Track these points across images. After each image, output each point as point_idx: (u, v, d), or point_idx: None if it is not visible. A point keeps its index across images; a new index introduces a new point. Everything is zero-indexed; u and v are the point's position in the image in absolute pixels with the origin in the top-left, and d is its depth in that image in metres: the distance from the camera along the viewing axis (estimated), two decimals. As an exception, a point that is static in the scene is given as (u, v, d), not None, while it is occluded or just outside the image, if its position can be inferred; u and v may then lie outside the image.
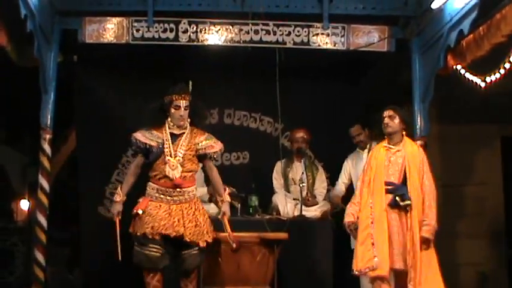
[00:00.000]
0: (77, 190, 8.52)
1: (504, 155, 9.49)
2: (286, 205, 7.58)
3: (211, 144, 6.16)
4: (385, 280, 5.64)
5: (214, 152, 6.19)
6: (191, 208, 5.99)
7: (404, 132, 5.94)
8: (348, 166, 7.81)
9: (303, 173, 7.72)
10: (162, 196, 5.97)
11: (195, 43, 7.53)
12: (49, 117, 7.22)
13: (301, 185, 7.55)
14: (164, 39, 7.48)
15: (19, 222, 10.99)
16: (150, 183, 6.06)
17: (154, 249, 5.88)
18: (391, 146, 5.89)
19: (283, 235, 6.72)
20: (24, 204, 11.42)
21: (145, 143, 6.01)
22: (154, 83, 8.10)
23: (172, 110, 6.02)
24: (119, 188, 6.08)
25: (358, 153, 7.74)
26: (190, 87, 6.19)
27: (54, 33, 7.35)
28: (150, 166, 6.08)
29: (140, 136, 6.06)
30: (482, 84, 6.88)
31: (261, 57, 7.75)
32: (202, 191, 7.61)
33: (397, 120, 5.90)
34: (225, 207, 6.18)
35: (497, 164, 9.48)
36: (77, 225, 8.72)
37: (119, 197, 6.01)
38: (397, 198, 5.66)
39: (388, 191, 5.74)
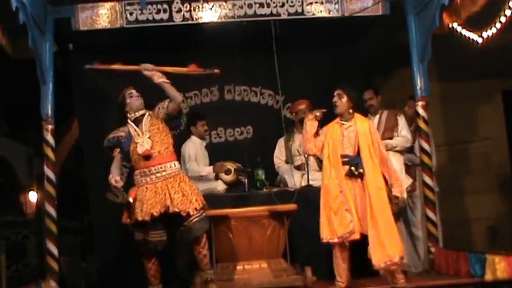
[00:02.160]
0: (84, 178, 8.53)
1: (506, 108, 9.49)
2: (292, 176, 7.61)
3: (162, 103, 6.41)
4: (345, 249, 6.22)
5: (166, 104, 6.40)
6: (176, 181, 6.18)
7: (351, 110, 6.37)
8: None
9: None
10: (147, 178, 6.20)
11: (189, 22, 7.49)
12: (49, 107, 7.21)
13: (306, 155, 7.56)
14: (158, 20, 7.45)
15: (29, 214, 11.04)
16: (134, 173, 6.33)
17: (154, 234, 6.16)
18: (343, 122, 6.36)
19: (292, 206, 6.74)
20: (33, 196, 11.46)
21: (114, 137, 6.40)
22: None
23: (128, 100, 6.45)
24: (110, 177, 6.19)
25: (369, 118, 7.74)
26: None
27: (47, 23, 7.30)
28: (128, 158, 6.38)
29: (109, 135, 6.45)
30: (479, 40, 6.88)
31: (257, 31, 7.73)
32: (208, 169, 7.65)
33: (344, 99, 6.35)
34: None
35: (499, 118, 9.50)
36: (87, 213, 8.76)
37: (118, 182, 6.18)
38: (352, 168, 6.17)
39: (344, 163, 6.23)
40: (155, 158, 6.21)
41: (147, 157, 6.17)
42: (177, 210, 6.02)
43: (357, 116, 6.41)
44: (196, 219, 6.09)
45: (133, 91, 6.46)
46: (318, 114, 6.51)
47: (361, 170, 6.16)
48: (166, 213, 6.03)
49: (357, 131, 6.27)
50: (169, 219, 6.13)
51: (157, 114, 6.39)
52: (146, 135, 6.24)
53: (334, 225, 6.13)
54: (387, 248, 6.01)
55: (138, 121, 6.37)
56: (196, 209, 6.10)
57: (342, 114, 6.36)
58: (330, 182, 6.24)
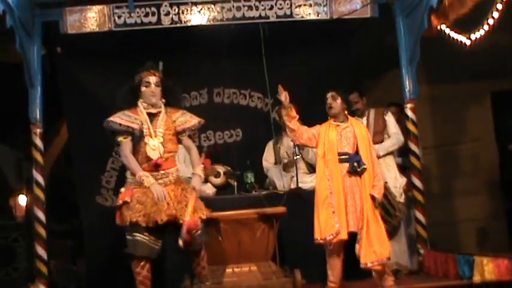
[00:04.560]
0: (74, 181, 8.51)
1: (495, 110, 9.52)
2: (282, 179, 7.61)
3: (188, 119, 6.00)
4: (339, 249, 6.21)
5: (192, 126, 6.01)
6: (178, 189, 5.79)
7: (346, 112, 6.42)
8: None
9: (295, 146, 7.68)
10: None
11: (178, 25, 7.51)
12: (38, 111, 7.21)
13: (295, 158, 7.56)
14: (147, 23, 7.46)
15: (18, 218, 10.98)
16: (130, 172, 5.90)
17: (147, 238, 5.67)
18: (339, 123, 6.37)
19: (281, 209, 6.74)
20: (22, 200, 11.40)
21: (128, 126, 5.79)
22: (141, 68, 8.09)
23: (143, 88, 5.87)
24: (140, 173, 5.68)
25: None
26: (161, 67, 6.04)
27: (35, 26, 7.30)
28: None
29: (119, 119, 5.82)
30: (468, 42, 6.88)
31: (245, 34, 7.75)
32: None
33: (339, 100, 6.38)
34: (195, 181, 5.89)
35: (488, 119, 9.52)
36: (77, 216, 8.73)
37: (149, 178, 5.68)
38: (355, 164, 6.16)
39: (342, 160, 6.24)
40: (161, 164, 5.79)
41: (156, 165, 5.75)
42: (181, 221, 5.57)
43: (352, 119, 6.45)
44: (199, 231, 5.70)
45: (153, 82, 5.85)
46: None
47: (364, 167, 6.14)
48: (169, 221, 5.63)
49: (354, 132, 6.29)
50: (168, 228, 5.73)
51: (174, 121, 5.92)
52: (159, 139, 5.78)
53: (321, 226, 6.14)
54: (376, 248, 6.03)
55: (151, 117, 5.84)
56: (200, 217, 5.71)
57: (337, 115, 6.37)
58: (321, 182, 6.25)
